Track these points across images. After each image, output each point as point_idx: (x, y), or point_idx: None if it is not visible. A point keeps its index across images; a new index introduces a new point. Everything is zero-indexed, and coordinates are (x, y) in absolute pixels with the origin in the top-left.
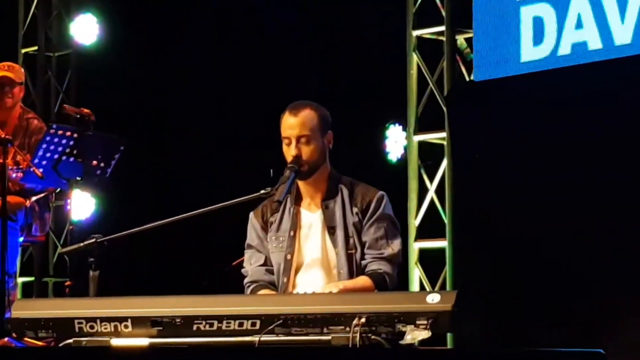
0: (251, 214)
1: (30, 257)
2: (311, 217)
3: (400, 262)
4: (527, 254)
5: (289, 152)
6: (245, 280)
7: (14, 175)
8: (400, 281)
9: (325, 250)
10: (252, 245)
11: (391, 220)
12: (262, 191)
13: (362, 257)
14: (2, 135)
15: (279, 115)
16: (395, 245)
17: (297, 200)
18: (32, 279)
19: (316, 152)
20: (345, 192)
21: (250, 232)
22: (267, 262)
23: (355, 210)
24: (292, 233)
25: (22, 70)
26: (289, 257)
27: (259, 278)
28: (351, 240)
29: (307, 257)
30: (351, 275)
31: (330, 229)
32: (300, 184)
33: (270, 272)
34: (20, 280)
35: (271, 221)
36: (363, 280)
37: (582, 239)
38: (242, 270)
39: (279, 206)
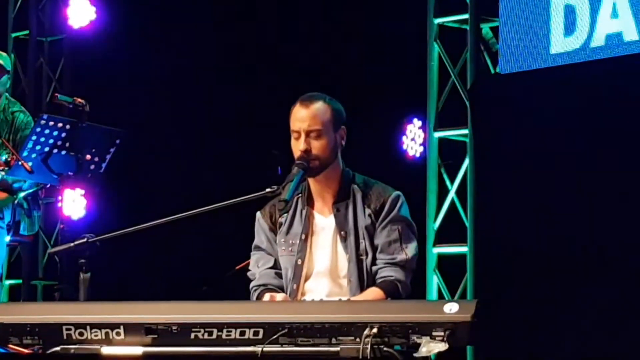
0: (258, 214)
1: (19, 258)
2: (324, 222)
3: (414, 268)
4: (558, 261)
5: (297, 147)
6: (252, 284)
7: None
8: (417, 289)
9: (335, 258)
10: (259, 247)
11: (407, 222)
12: (268, 189)
13: (373, 263)
14: None
15: (288, 109)
16: (410, 250)
17: (309, 201)
18: (19, 281)
19: (327, 148)
20: (359, 193)
21: (257, 233)
22: (276, 265)
23: (368, 211)
24: (303, 237)
25: (9, 58)
26: (299, 262)
27: (268, 282)
28: (362, 245)
29: (318, 264)
30: (361, 282)
31: (343, 234)
32: (311, 183)
33: (280, 275)
34: (7, 282)
35: (280, 222)
36: (373, 293)
37: (621, 241)
38: (249, 274)
39: (287, 206)
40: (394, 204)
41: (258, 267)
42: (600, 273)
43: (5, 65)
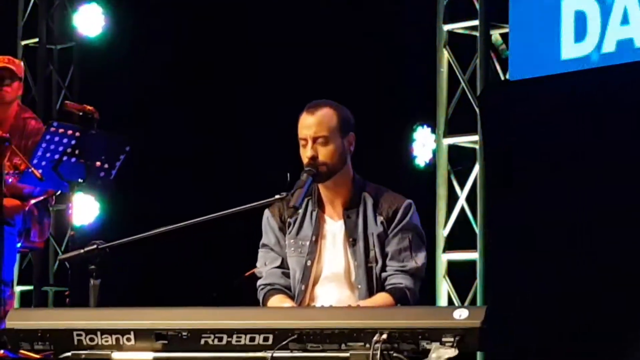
0: (267, 212)
1: (29, 265)
2: (334, 227)
3: (423, 276)
4: (570, 267)
5: (305, 154)
6: (259, 282)
7: (10, 180)
8: (427, 295)
9: (347, 264)
10: (267, 245)
11: (417, 231)
12: (277, 196)
13: (383, 270)
14: (0, 134)
15: (296, 116)
16: (420, 258)
17: (320, 205)
18: (31, 287)
19: (335, 154)
20: (369, 200)
21: (266, 231)
22: (283, 265)
23: (380, 219)
24: (314, 238)
25: (22, 65)
26: (309, 263)
27: (275, 281)
28: (372, 253)
29: (327, 269)
30: (370, 290)
31: (352, 241)
32: (321, 189)
33: (286, 275)
34: (18, 289)
35: (289, 222)
36: (382, 298)
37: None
38: (256, 271)
39: (295, 212)
40: (406, 213)
41: (265, 265)
42: (615, 281)
43: (17, 72)
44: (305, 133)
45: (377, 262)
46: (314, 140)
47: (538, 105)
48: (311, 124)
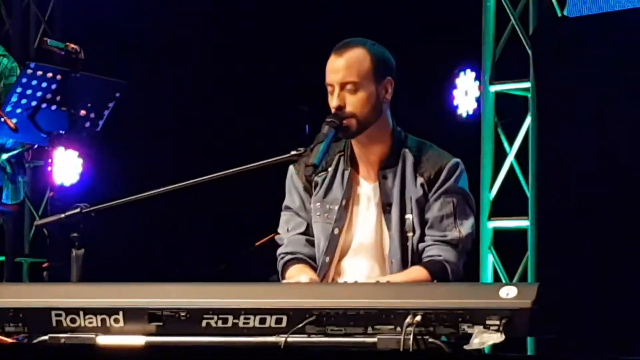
0: (291, 169)
1: (1, 231)
2: (368, 189)
3: (468, 249)
4: (635, 237)
5: (331, 103)
6: (280, 250)
7: None
8: (469, 269)
9: (380, 234)
10: (291, 208)
11: (464, 195)
12: (294, 152)
13: (421, 240)
14: None
15: (315, 63)
16: (465, 227)
17: (353, 163)
18: (2, 258)
19: (365, 104)
20: (410, 158)
21: (290, 192)
22: (308, 231)
23: (420, 181)
24: (343, 202)
25: None
26: (336, 231)
27: (297, 250)
28: (408, 220)
29: (357, 238)
30: (405, 264)
31: (386, 206)
32: (354, 145)
33: (312, 243)
34: None
35: (316, 181)
36: (416, 272)
37: None
38: (277, 237)
39: (315, 171)
40: (451, 173)
41: (287, 232)
42: None
43: None
44: (332, 78)
45: (414, 231)
46: (342, 86)
47: (600, 46)
48: (339, 67)
